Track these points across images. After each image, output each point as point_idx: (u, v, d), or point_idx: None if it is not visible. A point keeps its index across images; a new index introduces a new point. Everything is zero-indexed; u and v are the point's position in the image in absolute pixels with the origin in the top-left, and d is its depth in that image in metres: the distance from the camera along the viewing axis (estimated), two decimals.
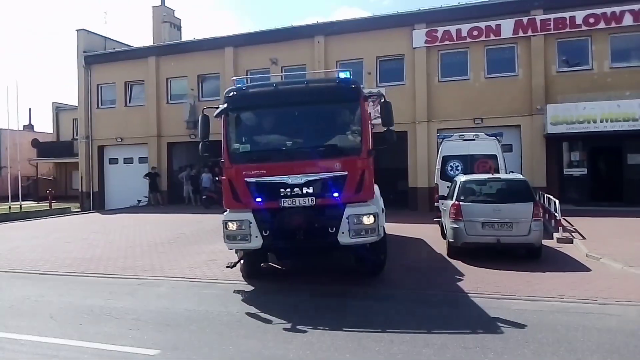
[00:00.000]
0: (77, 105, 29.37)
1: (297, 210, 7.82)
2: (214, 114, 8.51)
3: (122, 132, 27.24)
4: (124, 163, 28.12)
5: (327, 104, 8.38)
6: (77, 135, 31.62)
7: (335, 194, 7.86)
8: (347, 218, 7.78)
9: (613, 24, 19.12)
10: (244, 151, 8.27)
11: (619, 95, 18.65)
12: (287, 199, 7.84)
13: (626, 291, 7.53)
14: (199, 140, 8.58)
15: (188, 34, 75.67)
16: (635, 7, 18.81)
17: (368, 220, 7.85)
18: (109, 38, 29.95)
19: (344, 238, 7.79)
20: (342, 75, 8.42)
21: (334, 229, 7.78)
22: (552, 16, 19.82)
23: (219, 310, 7.27)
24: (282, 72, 22.84)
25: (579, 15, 19.44)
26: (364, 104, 8.32)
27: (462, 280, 8.71)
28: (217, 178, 24.62)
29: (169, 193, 26.21)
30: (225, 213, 8.26)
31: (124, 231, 16.39)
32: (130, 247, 13.04)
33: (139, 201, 26.15)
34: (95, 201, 27.83)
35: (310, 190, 7.81)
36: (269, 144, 8.45)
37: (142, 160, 27.20)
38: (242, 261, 9.01)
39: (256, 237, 7.89)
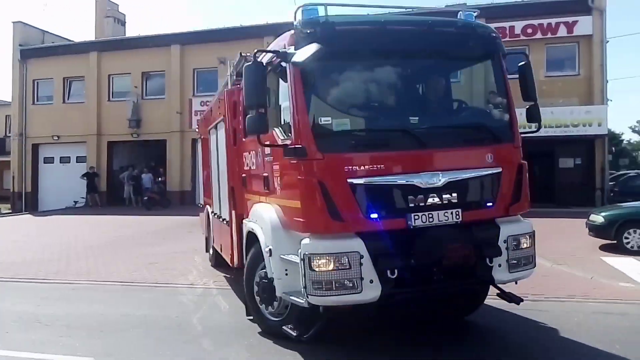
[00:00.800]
0: (10, 100, 28.06)
1: (439, 233, 4.88)
2: (292, 61, 4.85)
3: (59, 130, 26.18)
4: (60, 162, 27.11)
5: (463, 59, 5.69)
6: (9, 132, 30.10)
7: (489, 203, 5.19)
8: (504, 241, 5.10)
9: (549, 35, 20.21)
10: (342, 130, 4.89)
11: (552, 102, 19.68)
12: (419, 214, 4.84)
13: (554, 288, 7.90)
14: (247, 109, 5.05)
15: (135, 31, 73.46)
16: (570, 19, 19.98)
17: (526, 243, 5.28)
18: (47, 32, 28.89)
19: (500, 273, 5.10)
20: (468, 17, 5.53)
21: (491, 259, 5.07)
22: (492, 25, 20.52)
23: (158, 314, 7.05)
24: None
25: (518, 25, 20.46)
26: (504, 63, 5.62)
27: None
28: (159, 179, 24.27)
29: (108, 194, 25.46)
30: (304, 241, 4.75)
31: (58, 233, 15.70)
32: (64, 250, 12.45)
33: (76, 202, 25.25)
34: (27, 202, 26.59)
35: (454, 197, 4.95)
36: (381, 118, 5.29)
37: (80, 159, 26.30)
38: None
39: (371, 282, 4.62)
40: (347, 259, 4.59)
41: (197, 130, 12.07)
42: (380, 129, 5.14)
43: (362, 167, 4.77)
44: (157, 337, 6.12)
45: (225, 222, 7.66)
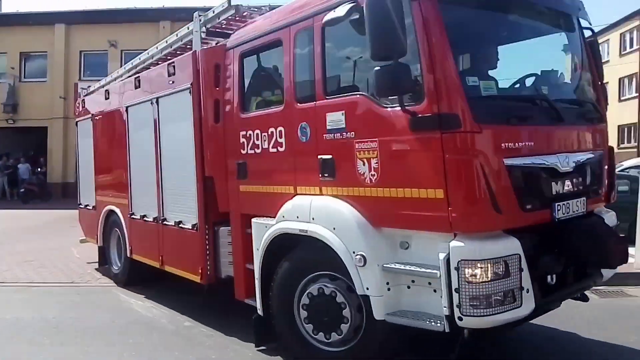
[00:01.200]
0: None
1: (597, 226, 4.28)
2: None
3: None
4: None
5: (574, 27, 4.80)
6: None
7: (600, 191, 4.62)
8: None
9: None
10: (489, 95, 4.02)
11: None
12: (560, 203, 4.05)
13: None
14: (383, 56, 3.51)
15: (12, 6, 66.78)
16: None
17: None
18: None
19: (606, 270, 4.51)
20: None
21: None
22: None
23: (32, 316, 6.51)
24: (122, 56, 21.84)
25: None
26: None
27: None
28: (38, 169, 22.56)
29: None
30: (453, 244, 3.57)
31: None
32: None
33: None
34: None
35: (580, 183, 4.28)
36: (522, 83, 4.56)
37: None
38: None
39: (527, 292, 3.69)
40: (503, 265, 3.57)
41: (78, 109, 9.54)
42: (527, 98, 4.33)
43: (516, 144, 3.81)
44: (30, 340, 5.65)
45: (180, 226, 6.18)
